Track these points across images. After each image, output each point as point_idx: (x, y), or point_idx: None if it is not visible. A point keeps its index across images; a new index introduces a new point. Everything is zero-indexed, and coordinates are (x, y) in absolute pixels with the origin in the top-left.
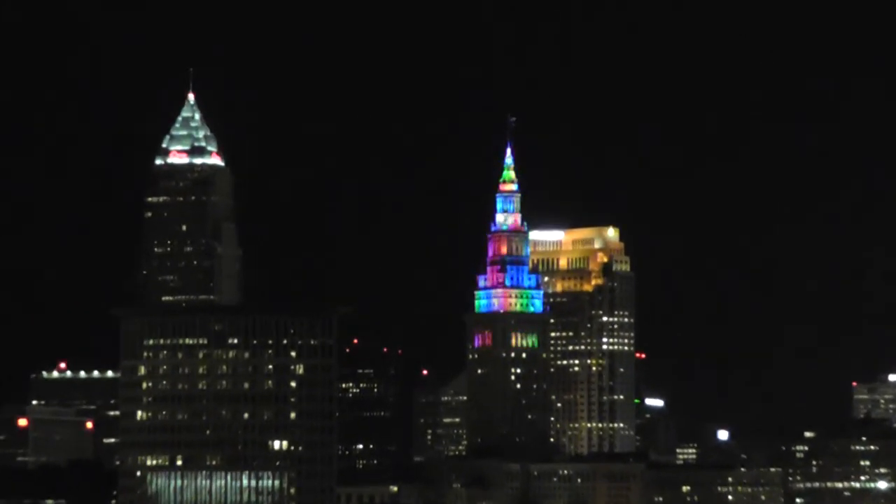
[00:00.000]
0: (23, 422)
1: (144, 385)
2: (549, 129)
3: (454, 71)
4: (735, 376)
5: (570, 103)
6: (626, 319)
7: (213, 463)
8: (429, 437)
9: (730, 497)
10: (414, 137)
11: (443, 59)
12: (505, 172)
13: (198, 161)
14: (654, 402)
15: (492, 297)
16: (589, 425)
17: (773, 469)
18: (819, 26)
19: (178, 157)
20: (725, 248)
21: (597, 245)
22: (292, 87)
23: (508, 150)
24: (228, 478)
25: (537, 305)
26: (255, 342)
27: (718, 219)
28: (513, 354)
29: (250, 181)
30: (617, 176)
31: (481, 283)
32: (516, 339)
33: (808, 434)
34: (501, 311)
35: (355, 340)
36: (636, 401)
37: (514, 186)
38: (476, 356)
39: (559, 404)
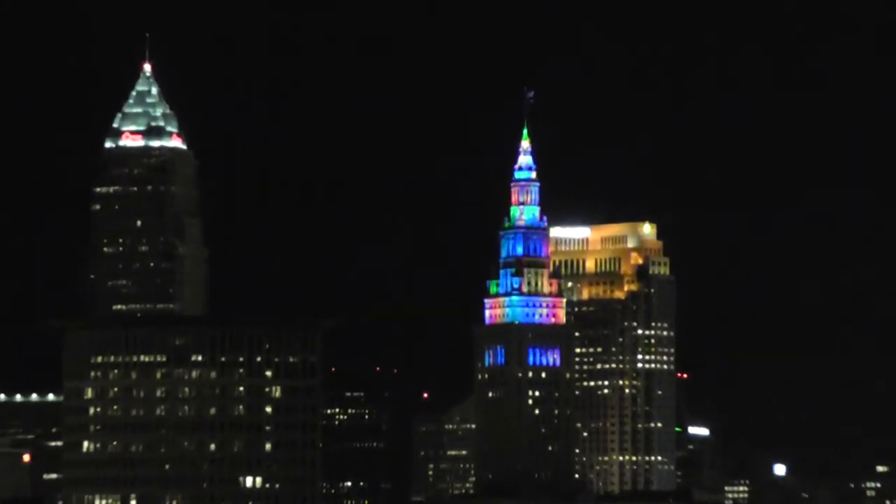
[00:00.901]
0: None
1: (92, 410)
2: (571, 107)
3: (460, 43)
4: (795, 400)
5: (596, 76)
6: (665, 332)
7: (174, 503)
8: (430, 472)
9: None
10: (414, 117)
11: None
12: (521, 157)
13: (155, 143)
14: (699, 431)
15: (505, 305)
16: (621, 458)
17: None
18: None
19: (131, 139)
20: (784, 246)
21: (630, 244)
22: (270, 57)
23: (525, 132)
24: None
25: (559, 316)
26: (223, 360)
27: (775, 210)
28: (530, 374)
29: (218, 168)
30: (653, 162)
31: (493, 289)
32: (535, 356)
33: (880, 468)
34: (517, 322)
35: (343, 358)
36: (677, 429)
37: (531, 174)
38: (486, 376)
39: (585, 434)
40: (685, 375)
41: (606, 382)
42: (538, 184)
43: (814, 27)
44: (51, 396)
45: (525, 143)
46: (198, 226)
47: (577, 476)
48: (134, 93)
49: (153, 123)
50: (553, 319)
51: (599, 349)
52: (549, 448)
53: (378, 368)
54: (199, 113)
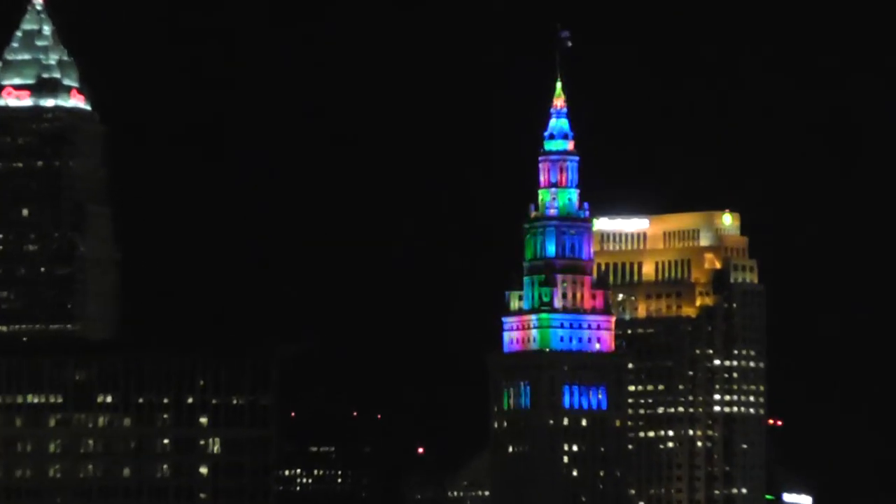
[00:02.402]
0: None
1: None
2: (622, 58)
3: None
4: None
5: (653, 20)
6: (751, 363)
7: None
8: None
9: None
10: (407, 65)
11: None
12: (552, 121)
13: (48, 103)
14: (798, 499)
15: (531, 326)
16: None
17: None
18: None
19: (15, 97)
20: None
21: (703, 241)
22: None
23: (559, 86)
24: None
25: (606, 341)
26: (140, 401)
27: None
28: (566, 421)
29: (133, 136)
30: (734, 129)
31: (514, 304)
32: (572, 396)
33: None
34: (548, 349)
35: (306, 399)
36: (768, 497)
37: (566, 144)
38: (505, 424)
39: (642, 502)
40: (779, 422)
41: (671, 433)
42: (577, 158)
43: None
44: None
45: (559, 102)
46: (106, 217)
47: None
48: (19, 33)
49: (45, 75)
50: (597, 345)
51: (661, 386)
52: None
53: (355, 414)
54: (107, 61)
